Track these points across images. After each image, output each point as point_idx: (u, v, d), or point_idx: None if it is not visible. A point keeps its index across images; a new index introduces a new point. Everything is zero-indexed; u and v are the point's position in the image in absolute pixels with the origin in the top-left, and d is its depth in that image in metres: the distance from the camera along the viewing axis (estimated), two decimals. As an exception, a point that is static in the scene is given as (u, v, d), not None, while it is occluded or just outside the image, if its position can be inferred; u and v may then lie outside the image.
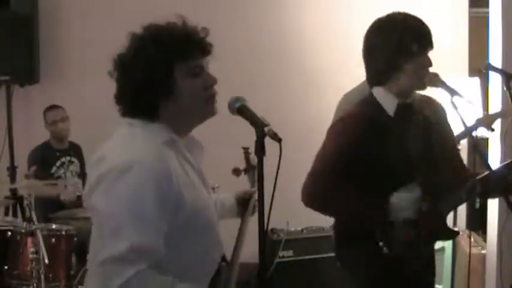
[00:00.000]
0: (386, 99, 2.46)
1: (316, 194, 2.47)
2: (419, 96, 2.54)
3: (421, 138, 2.49)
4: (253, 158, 2.31)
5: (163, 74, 1.79)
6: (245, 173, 2.43)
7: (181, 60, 1.81)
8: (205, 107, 1.88)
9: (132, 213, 1.68)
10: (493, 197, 2.58)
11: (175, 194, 1.73)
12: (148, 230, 1.69)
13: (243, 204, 2.29)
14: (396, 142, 2.44)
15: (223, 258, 2.03)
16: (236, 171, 2.40)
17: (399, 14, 2.49)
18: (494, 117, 3.66)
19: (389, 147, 2.42)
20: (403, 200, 2.37)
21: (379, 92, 2.48)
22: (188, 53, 1.83)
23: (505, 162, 2.45)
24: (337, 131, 2.52)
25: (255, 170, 2.37)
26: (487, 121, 3.57)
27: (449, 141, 2.63)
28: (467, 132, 2.73)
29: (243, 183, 2.81)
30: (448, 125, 2.64)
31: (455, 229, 2.60)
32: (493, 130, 3.59)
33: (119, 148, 1.78)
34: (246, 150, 2.47)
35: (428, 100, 2.59)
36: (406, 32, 2.40)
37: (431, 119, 2.52)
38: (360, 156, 2.41)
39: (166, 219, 1.72)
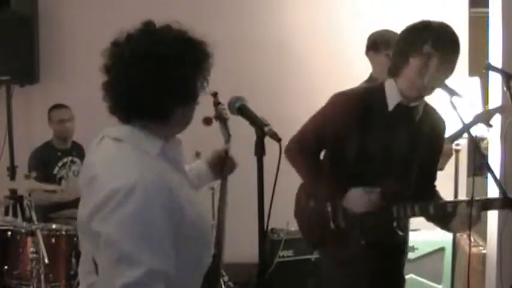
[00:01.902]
0: (392, 93, 2.54)
1: (290, 152, 2.66)
2: (426, 105, 2.63)
3: (406, 143, 2.58)
4: (224, 108, 2.26)
5: (192, 81, 1.75)
6: (216, 120, 2.35)
7: (204, 71, 1.80)
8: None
9: (142, 237, 1.61)
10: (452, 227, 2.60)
11: (178, 207, 1.69)
12: (160, 251, 1.63)
13: (218, 165, 2.28)
14: (383, 136, 2.54)
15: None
16: (207, 120, 2.33)
17: (432, 21, 2.53)
18: (493, 112, 3.66)
19: (375, 137, 2.53)
20: (357, 197, 2.53)
21: (390, 84, 2.56)
22: (207, 64, 1.81)
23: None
24: (334, 106, 2.63)
25: (226, 122, 2.35)
26: (485, 117, 3.57)
27: (432, 157, 2.72)
28: (466, 128, 2.73)
29: (243, 183, 2.81)
30: (441, 141, 2.75)
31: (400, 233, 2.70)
32: (491, 126, 3.59)
33: (114, 168, 1.69)
34: (214, 95, 2.37)
35: (432, 111, 2.68)
36: (425, 31, 2.45)
37: (424, 131, 2.61)
38: (346, 137, 2.55)
39: (173, 234, 1.67)
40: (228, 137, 2.37)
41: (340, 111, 2.58)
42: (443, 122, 2.71)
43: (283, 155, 2.31)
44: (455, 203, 2.47)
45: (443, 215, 2.49)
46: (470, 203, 2.37)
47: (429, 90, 2.46)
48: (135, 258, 1.59)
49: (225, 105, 2.08)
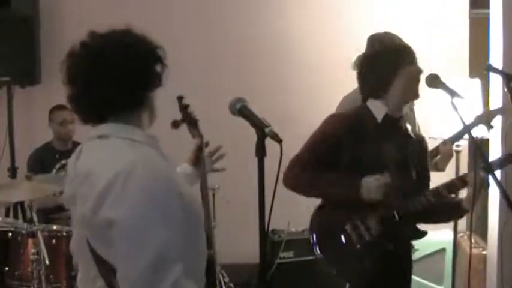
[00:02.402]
0: (377, 108, 2.72)
1: (291, 174, 2.69)
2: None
3: (398, 148, 2.74)
4: (192, 111, 2.33)
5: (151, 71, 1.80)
6: (184, 123, 2.37)
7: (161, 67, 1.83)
8: None
9: (156, 211, 1.63)
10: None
11: (176, 188, 1.71)
12: (175, 222, 1.65)
13: (196, 163, 2.36)
14: (375, 145, 2.69)
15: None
16: (175, 124, 2.35)
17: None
18: (494, 114, 3.65)
19: (368, 148, 2.67)
20: (371, 182, 2.59)
21: (372, 103, 2.74)
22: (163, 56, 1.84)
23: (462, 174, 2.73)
24: (326, 124, 2.77)
25: (196, 123, 2.38)
26: (486, 118, 3.56)
27: (424, 158, 2.89)
28: (467, 129, 2.74)
29: (244, 184, 2.81)
30: (425, 142, 2.93)
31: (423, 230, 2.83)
32: (492, 127, 3.59)
33: (108, 159, 1.72)
34: (179, 99, 2.40)
35: (413, 129, 3.01)
36: (396, 50, 2.73)
37: (411, 140, 2.82)
38: (341, 150, 2.66)
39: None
40: (200, 137, 2.38)
41: (334, 127, 2.72)
42: (421, 136, 2.98)
43: (283, 184, 2.57)
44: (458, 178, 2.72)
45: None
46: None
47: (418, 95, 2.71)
48: (152, 233, 1.60)
49: (192, 109, 2.21)
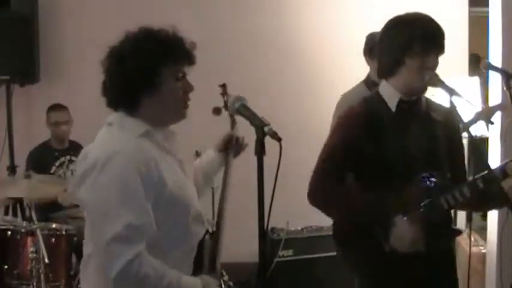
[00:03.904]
0: (390, 94, 2.48)
1: (318, 190, 2.47)
2: (427, 99, 2.55)
3: (423, 135, 2.48)
4: (231, 97, 2.32)
5: (152, 70, 1.94)
6: (226, 110, 2.44)
7: (171, 62, 1.97)
8: (180, 110, 2.04)
9: (121, 196, 1.83)
10: (492, 204, 2.55)
11: (156, 178, 1.90)
12: (139, 210, 1.85)
13: (225, 149, 2.44)
14: (396, 138, 2.45)
15: (206, 231, 2.08)
16: (216, 110, 2.45)
17: (414, 13, 2.52)
18: (494, 109, 3.64)
19: (389, 142, 2.44)
20: (404, 233, 2.34)
21: (384, 86, 2.51)
22: (178, 56, 1.98)
23: (503, 164, 2.36)
24: (340, 127, 2.56)
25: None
26: (486, 114, 3.55)
27: (457, 145, 2.60)
28: (467, 126, 2.70)
29: (243, 182, 2.81)
30: (459, 134, 2.61)
31: (457, 228, 2.59)
32: (492, 123, 3.58)
33: (100, 145, 1.96)
34: (223, 86, 2.52)
35: (440, 108, 2.58)
36: (413, 30, 2.42)
37: (437, 122, 2.51)
38: (361, 151, 2.43)
39: (150, 202, 1.88)
40: (233, 123, 2.47)
41: (349, 128, 2.50)
42: (454, 109, 2.48)
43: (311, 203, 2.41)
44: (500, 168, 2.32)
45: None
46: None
47: (426, 88, 2.44)
48: (113, 214, 1.82)
49: (231, 95, 2.20)
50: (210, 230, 2.13)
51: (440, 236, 2.49)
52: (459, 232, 2.67)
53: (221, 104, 2.50)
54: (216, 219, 2.23)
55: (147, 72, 1.94)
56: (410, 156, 2.45)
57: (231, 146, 2.42)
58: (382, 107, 2.48)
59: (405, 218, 2.36)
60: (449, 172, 2.52)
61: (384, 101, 2.49)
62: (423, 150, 2.47)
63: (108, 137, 1.97)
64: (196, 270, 2.00)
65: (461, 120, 2.40)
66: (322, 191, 2.47)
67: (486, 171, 2.32)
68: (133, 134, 1.94)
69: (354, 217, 2.48)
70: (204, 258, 2.04)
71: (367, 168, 2.44)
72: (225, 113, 2.47)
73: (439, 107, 2.59)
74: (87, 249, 2.01)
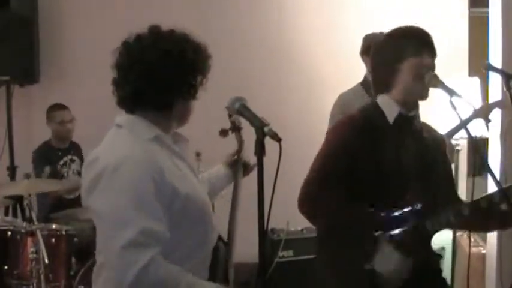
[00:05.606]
0: (389, 106, 2.45)
1: (307, 199, 2.45)
2: (424, 123, 2.56)
3: (416, 153, 2.47)
4: (237, 118, 2.36)
5: (193, 80, 1.93)
6: (232, 132, 2.45)
7: (204, 75, 1.98)
8: (188, 118, 2.04)
9: (133, 202, 1.77)
10: (484, 227, 2.51)
11: (168, 184, 1.84)
12: (152, 215, 1.79)
13: (233, 166, 2.41)
14: (392, 150, 2.43)
15: (219, 237, 2.08)
16: (223, 132, 2.43)
17: (402, 26, 2.49)
18: (492, 107, 3.63)
19: (384, 154, 2.42)
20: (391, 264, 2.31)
21: (383, 99, 2.47)
22: (207, 69, 2.00)
23: (499, 189, 2.28)
24: (335, 134, 2.52)
25: (240, 131, 2.42)
26: (484, 111, 3.55)
27: (445, 167, 2.60)
28: (465, 123, 2.69)
29: (243, 182, 2.81)
30: (446, 156, 2.64)
31: (438, 254, 2.52)
32: (489, 121, 3.57)
33: (109, 149, 1.89)
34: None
35: (431, 129, 2.61)
36: (404, 38, 2.42)
37: (429, 142, 2.52)
38: (355, 162, 2.40)
39: (163, 208, 1.83)
40: (241, 143, 2.44)
41: (343, 138, 2.45)
42: (440, 135, 2.65)
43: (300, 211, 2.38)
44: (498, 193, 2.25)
45: (482, 213, 2.28)
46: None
47: (427, 92, 2.41)
48: (126, 220, 1.76)
49: (238, 117, 2.23)
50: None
51: (428, 259, 2.45)
52: (440, 257, 2.57)
53: (227, 126, 2.45)
54: (226, 240, 2.20)
55: (186, 79, 1.93)
56: (403, 170, 2.43)
57: (238, 167, 2.39)
58: (379, 116, 2.46)
59: (391, 244, 2.32)
60: (438, 191, 2.49)
61: (381, 111, 2.46)
62: (415, 166, 2.46)
63: (117, 140, 1.91)
64: (210, 279, 1.97)
65: (461, 120, 2.38)
66: (311, 201, 2.44)
67: (470, 202, 2.32)
68: (144, 138, 1.89)
69: (339, 231, 2.45)
70: (219, 265, 2.02)
71: (359, 180, 2.40)
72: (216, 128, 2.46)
73: (430, 128, 2.61)
74: (99, 258, 1.95)
